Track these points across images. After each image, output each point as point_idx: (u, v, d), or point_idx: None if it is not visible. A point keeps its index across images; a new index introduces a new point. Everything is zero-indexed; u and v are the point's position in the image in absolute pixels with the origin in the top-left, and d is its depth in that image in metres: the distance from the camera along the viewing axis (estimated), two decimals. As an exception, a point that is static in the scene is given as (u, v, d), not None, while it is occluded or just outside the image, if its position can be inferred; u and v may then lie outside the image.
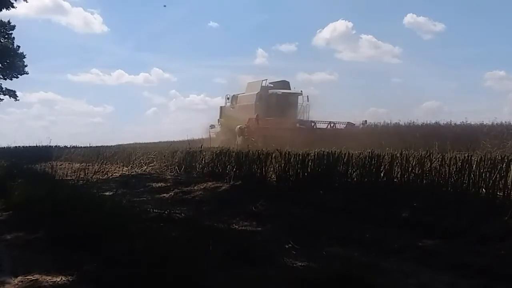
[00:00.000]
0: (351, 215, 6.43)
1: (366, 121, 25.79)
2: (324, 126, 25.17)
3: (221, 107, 31.92)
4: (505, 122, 20.74)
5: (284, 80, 29.50)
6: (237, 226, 6.41)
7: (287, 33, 75.80)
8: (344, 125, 25.24)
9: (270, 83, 28.77)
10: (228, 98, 30.90)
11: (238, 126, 26.04)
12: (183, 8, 73.80)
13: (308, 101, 27.87)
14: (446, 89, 52.55)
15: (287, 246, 5.08)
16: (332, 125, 25.09)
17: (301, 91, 28.27)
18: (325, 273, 3.78)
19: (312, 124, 25.45)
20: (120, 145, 29.92)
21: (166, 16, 74.77)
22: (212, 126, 32.03)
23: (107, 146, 26.66)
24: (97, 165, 16.42)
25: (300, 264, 4.44)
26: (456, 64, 59.51)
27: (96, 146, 25.39)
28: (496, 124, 20.62)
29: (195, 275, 3.73)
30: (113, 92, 79.37)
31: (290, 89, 28.87)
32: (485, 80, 61.98)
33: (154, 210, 7.20)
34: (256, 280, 3.83)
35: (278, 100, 27.76)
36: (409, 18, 59.12)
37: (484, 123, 20.97)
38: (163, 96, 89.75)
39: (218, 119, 31.65)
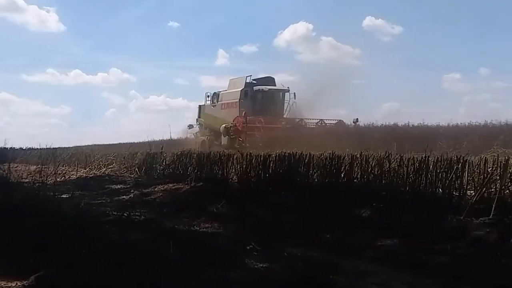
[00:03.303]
0: (312, 216, 6.47)
1: (357, 119, 24.35)
2: (313, 124, 24.16)
3: (200, 105, 30.69)
4: (461, 123, 21.31)
5: (269, 76, 27.96)
6: (198, 228, 6.35)
7: (248, 34, 75.92)
8: (334, 123, 24.27)
9: (253, 79, 27.29)
10: (208, 96, 29.61)
11: (223, 125, 24.90)
12: (142, 7, 72.65)
13: (295, 98, 26.48)
14: (404, 91, 53.63)
15: (248, 247, 5.06)
16: (322, 123, 24.20)
17: (288, 87, 26.93)
18: (287, 274, 3.78)
19: (301, 122, 24.44)
20: (78, 146, 29.39)
21: (125, 15, 73.45)
22: (190, 126, 31.13)
23: (64, 147, 26.23)
24: (54, 167, 16.04)
25: (261, 265, 4.43)
26: (414, 66, 60.76)
27: (53, 148, 24.78)
28: (452, 125, 21.16)
29: (155, 278, 3.67)
30: (70, 93, 77.35)
31: (275, 85, 27.37)
32: (442, 82, 63.53)
33: (114, 213, 7.08)
34: (217, 282, 3.80)
35: (264, 97, 26.37)
36: (368, 20, 60.04)
37: (441, 125, 21.46)
38: (123, 96, 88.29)
39: (197, 119, 30.62)
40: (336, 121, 24.57)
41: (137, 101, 74.11)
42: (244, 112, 24.38)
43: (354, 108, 26.66)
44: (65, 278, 3.96)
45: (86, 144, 34.44)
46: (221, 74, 71.04)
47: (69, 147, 27.27)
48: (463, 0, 58.50)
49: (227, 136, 24.63)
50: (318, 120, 24.49)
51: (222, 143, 24.31)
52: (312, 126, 24.32)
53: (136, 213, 7.23)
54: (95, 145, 32.57)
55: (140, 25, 76.44)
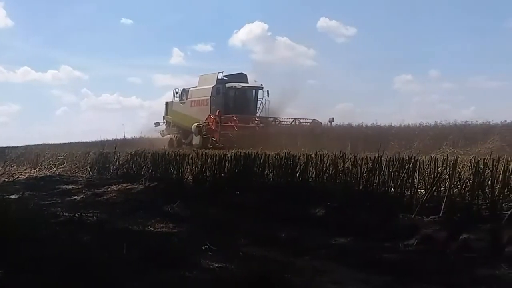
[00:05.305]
0: (268, 215, 6.49)
1: (333, 118, 23.70)
2: (288, 123, 23.70)
3: (167, 102, 29.65)
4: (412, 124, 21.82)
5: (241, 73, 26.89)
6: (152, 228, 6.27)
7: (203, 33, 75.41)
8: (309, 122, 23.74)
9: (225, 76, 26.08)
10: (176, 93, 28.58)
11: (195, 124, 23.72)
12: (94, 3, 70.70)
13: (268, 96, 25.61)
14: (358, 92, 54.50)
15: (204, 248, 5.03)
16: (297, 122, 23.73)
17: (262, 84, 25.92)
18: (242, 274, 3.78)
19: (276, 121, 24.09)
20: (27, 146, 28.34)
21: (76, 11, 71.15)
22: (156, 124, 30.15)
23: (12, 147, 25.39)
24: (2, 167, 15.54)
25: (217, 265, 4.41)
26: (368, 67, 61.70)
27: (1, 147, 24.01)
28: (404, 126, 21.60)
29: (109, 281, 3.60)
30: (18, 90, 74.61)
31: (248, 82, 26.35)
32: (394, 83, 64.91)
33: (65, 213, 6.91)
34: (172, 282, 3.76)
35: (237, 94, 25.53)
36: (322, 21, 60.73)
37: (393, 125, 21.89)
38: (74, 94, 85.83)
39: (164, 116, 29.66)
40: (311, 120, 24.10)
41: (89, 100, 72.18)
42: (218, 111, 23.48)
43: (309, 108, 26.56)
44: (15, 281, 3.84)
45: (36, 143, 33.39)
46: (176, 73, 69.94)
47: (17, 146, 26.36)
48: (414, 3, 60.02)
49: (199, 136, 23.48)
50: (293, 120, 24.09)
51: (194, 142, 23.39)
52: (287, 125, 23.91)
53: (89, 214, 7.08)
54: (45, 144, 31.47)
55: (92, 22, 74.34)
